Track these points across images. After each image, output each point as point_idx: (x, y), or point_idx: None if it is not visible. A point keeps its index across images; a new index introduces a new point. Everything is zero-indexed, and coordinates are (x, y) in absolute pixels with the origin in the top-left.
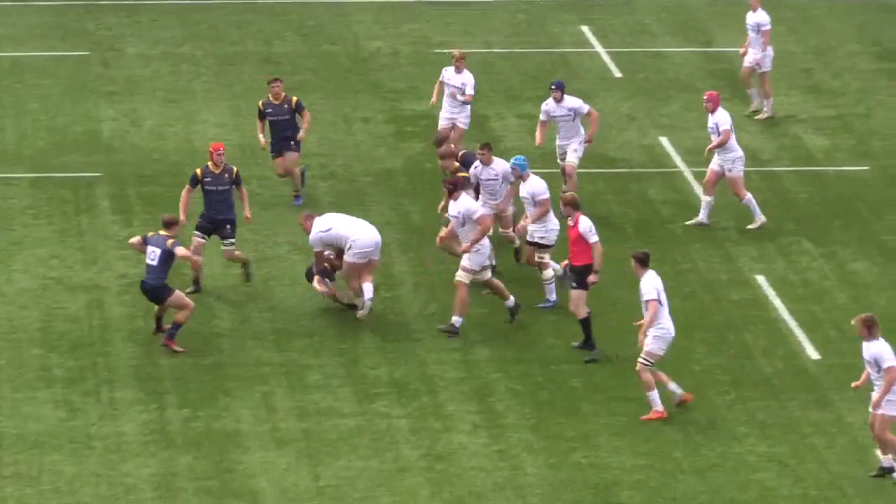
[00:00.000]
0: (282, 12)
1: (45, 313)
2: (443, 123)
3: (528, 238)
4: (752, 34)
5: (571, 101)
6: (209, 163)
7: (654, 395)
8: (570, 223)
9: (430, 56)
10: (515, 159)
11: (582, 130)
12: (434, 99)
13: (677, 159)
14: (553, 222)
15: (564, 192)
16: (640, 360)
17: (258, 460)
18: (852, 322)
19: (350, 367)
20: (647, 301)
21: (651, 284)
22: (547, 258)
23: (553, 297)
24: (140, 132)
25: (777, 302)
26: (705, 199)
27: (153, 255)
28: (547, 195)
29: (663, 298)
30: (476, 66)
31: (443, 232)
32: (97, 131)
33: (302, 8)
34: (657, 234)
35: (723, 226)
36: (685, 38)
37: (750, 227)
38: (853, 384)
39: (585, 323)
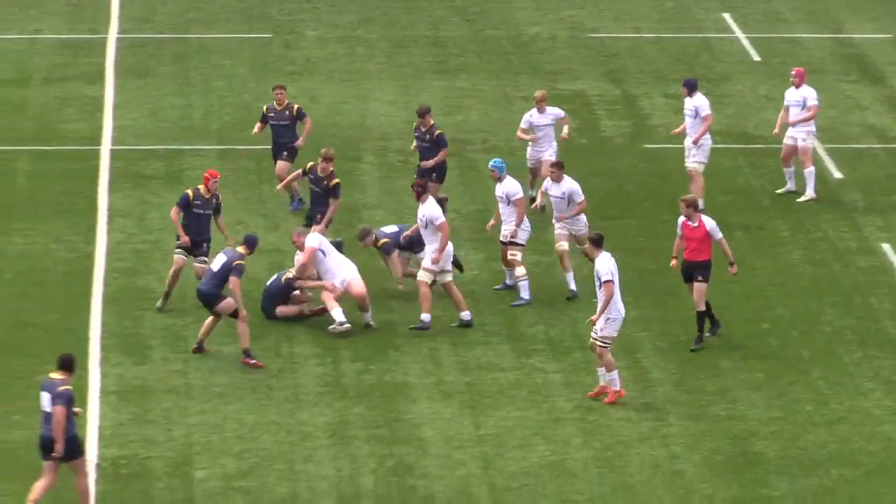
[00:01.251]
0: None
1: None
2: (531, 160)
3: (502, 237)
4: None
5: (697, 100)
6: (200, 187)
7: (615, 374)
8: (692, 223)
9: (585, 40)
10: (494, 161)
11: (703, 134)
12: (528, 137)
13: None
14: (526, 223)
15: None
16: (599, 344)
17: (425, 410)
18: None
19: (509, 326)
20: (605, 282)
21: (607, 266)
22: (519, 256)
23: (526, 295)
24: (318, 109)
25: None
26: (806, 171)
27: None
28: (521, 195)
29: (616, 280)
30: (626, 50)
31: (318, 227)
32: None
33: None
34: (791, 205)
35: (851, 197)
36: (818, 25)
37: (800, 199)
38: None
39: (703, 316)
